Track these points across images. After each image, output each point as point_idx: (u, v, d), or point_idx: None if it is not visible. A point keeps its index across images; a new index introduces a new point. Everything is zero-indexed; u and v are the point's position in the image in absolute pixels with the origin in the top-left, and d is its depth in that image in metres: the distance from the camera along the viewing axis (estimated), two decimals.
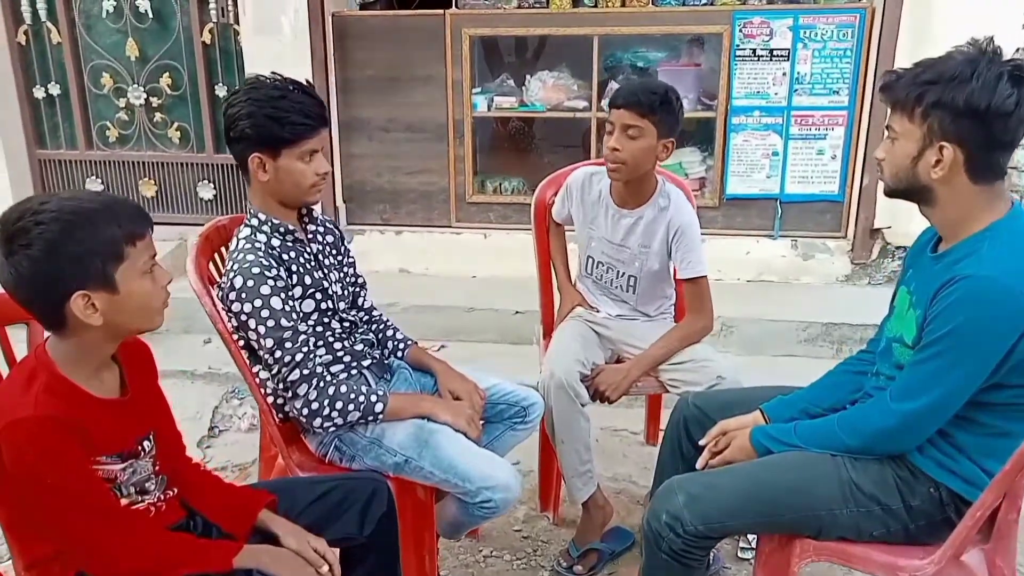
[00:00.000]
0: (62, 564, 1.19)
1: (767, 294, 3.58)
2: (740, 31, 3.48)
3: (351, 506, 1.50)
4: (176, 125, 4.05)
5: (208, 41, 3.89)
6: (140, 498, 1.27)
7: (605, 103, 3.64)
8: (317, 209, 1.84)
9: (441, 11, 3.63)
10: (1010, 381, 1.31)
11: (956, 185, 1.34)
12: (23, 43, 4.01)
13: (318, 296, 1.72)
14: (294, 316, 1.63)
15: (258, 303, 1.58)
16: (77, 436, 1.11)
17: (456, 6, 3.64)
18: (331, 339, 1.76)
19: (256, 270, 1.59)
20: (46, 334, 1.20)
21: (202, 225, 1.88)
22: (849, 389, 1.61)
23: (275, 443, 1.70)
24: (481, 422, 1.94)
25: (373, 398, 1.67)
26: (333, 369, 1.74)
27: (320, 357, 1.71)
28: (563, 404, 2.00)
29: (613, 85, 3.65)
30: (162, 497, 1.32)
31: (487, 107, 3.73)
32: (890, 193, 1.45)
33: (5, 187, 4.05)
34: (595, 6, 3.58)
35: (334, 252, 1.85)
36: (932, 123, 1.32)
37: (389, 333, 1.96)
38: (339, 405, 1.63)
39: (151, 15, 3.89)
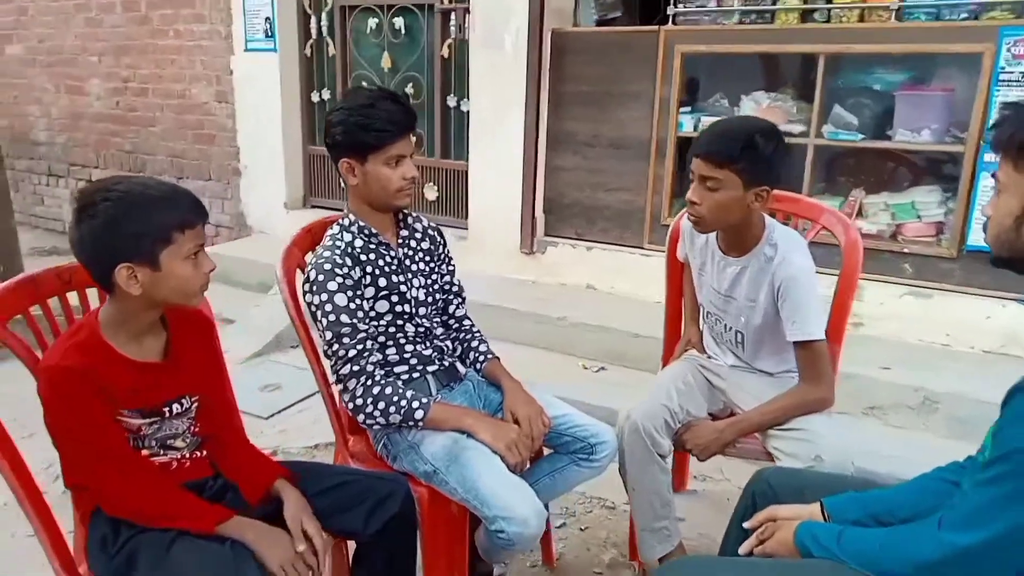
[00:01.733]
0: (90, 493, 1.40)
1: (1004, 370, 2.89)
2: (1008, 50, 2.88)
3: (361, 503, 1.54)
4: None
5: (446, 55, 4.22)
6: (163, 452, 1.45)
7: (826, 128, 3.27)
8: (424, 219, 1.94)
9: (656, 27, 3.53)
10: None
11: None
12: (308, 55, 4.72)
13: (393, 299, 1.79)
14: (359, 314, 1.71)
15: (324, 297, 1.70)
16: (93, 387, 1.30)
17: (673, 22, 3.51)
18: (402, 340, 1.82)
19: (328, 266, 1.71)
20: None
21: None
22: (936, 500, 1.27)
23: (334, 429, 1.81)
24: (549, 452, 1.89)
25: (415, 404, 1.70)
26: (397, 369, 1.81)
27: (388, 356, 1.80)
28: (636, 450, 1.85)
29: (838, 109, 3.25)
30: (187, 455, 1.49)
31: (693, 127, 3.53)
32: (995, 261, 1.12)
33: (280, 175, 4.81)
34: (827, 21, 3.21)
35: (427, 259, 1.91)
36: None
37: (474, 344, 1.97)
38: (381, 405, 1.69)
39: (404, 31, 4.33)
